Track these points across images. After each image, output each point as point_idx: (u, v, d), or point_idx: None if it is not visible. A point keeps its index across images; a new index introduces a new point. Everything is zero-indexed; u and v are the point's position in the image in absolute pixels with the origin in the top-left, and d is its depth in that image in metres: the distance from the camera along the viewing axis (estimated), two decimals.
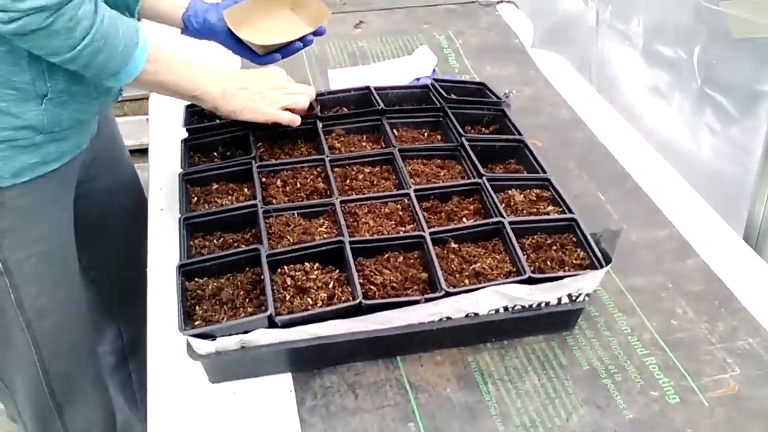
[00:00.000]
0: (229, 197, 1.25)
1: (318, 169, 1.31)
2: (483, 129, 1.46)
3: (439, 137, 1.44)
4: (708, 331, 1.17)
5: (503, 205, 1.23)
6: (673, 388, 1.06)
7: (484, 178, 1.25)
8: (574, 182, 1.48)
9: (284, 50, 1.31)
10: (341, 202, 1.21)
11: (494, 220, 1.16)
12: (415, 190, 1.23)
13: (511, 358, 1.12)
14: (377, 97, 1.47)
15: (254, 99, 1.26)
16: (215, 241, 1.17)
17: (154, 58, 1.11)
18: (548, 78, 1.87)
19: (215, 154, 1.37)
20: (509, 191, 1.27)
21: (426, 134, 1.44)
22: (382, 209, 1.21)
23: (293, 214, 1.20)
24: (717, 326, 1.18)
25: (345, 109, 1.50)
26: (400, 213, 1.21)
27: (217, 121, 1.41)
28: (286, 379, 1.07)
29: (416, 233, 1.13)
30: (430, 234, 1.13)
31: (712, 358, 1.11)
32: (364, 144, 1.40)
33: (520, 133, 1.40)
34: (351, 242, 1.11)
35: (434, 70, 1.83)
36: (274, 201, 1.23)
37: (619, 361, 1.11)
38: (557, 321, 1.14)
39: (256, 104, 1.26)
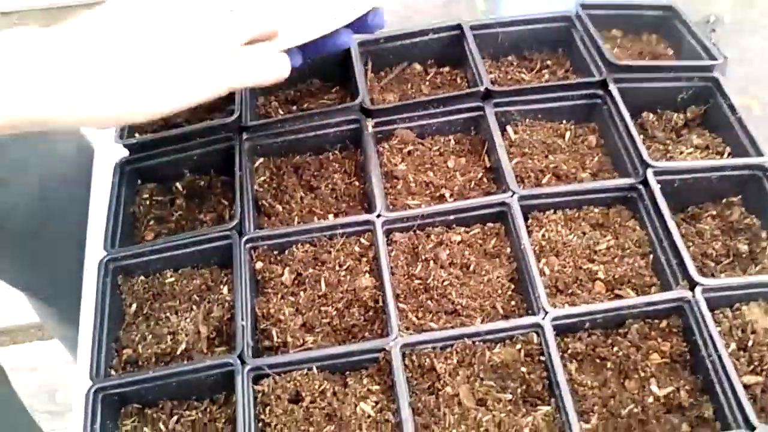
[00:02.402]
0: (193, 311, 0.66)
1: (363, 238, 0.69)
2: (677, 117, 0.77)
3: (592, 140, 0.76)
4: None
5: (733, 345, 0.61)
6: None
7: (697, 290, 0.61)
8: None
9: (311, 47, 0.63)
10: (404, 346, 0.60)
11: None
12: (554, 319, 0.61)
13: None
14: (472, 44, 0.79)
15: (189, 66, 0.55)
16: (162, 422, 0.61)
17: None
18: None
19: (178, 186, 0.75)
20: (743, 307, 0.63)
21: (570, 134, 0.77)
22: (485, 356, 0.61)
23: (311, 369, 0.61)
24: None
25: (418, 66, 0.83)
26: (523, 370, 0.60)
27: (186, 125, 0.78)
28: None
29: None
30: None
31: None
32: (450, 161, 0.75)
33: (756, 146, 0.71)
34: None
35: None
36: (271, 320, 0.64)
37: None
38: None
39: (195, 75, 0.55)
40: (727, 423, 0.57)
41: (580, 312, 0.62)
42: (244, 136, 0.74)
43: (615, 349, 0.62)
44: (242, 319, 0.62)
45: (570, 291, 0.65)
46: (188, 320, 0.65)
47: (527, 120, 0.77)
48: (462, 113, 0.76)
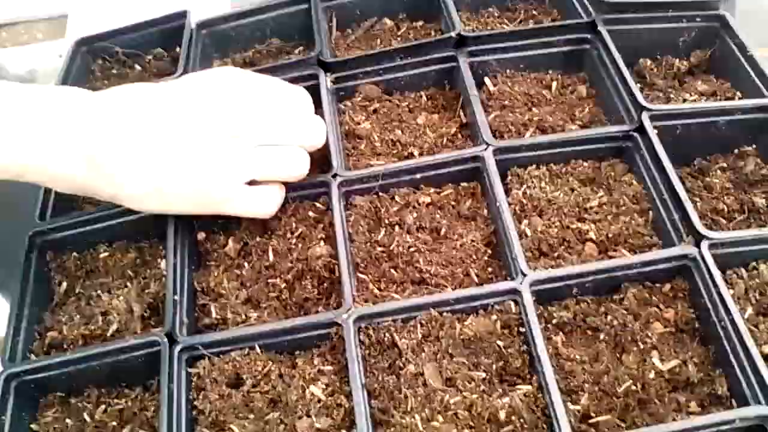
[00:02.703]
0: (127, 287, 0.58)
1: (319, 202, 0.61)
2: (678, 62, 0.69)
3: (582, 90, 0.68)
4: None
5: (750, 309, 0.51)
6: None
7: (703, 245, 0.52)
8: None
9: None
10: (359, 319, 0.52)
11: None
12: (534, 283, 0.52)
13: None
14: None
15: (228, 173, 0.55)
16: (87, 412, 0.53)
17: None
18: None
19: None
20: (761, 265, 0.54)
21: (556, 84, 0.68)
22: (455, 329, 0.52)
23: (253, 348, 0.53)
24: None
25: (388, 21, 0.76)
26: (499, 344, 0.51)
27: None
28: None
29: None
30: None
31: None
32: (420, 118, 0.67)
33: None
34: None
35: None
36: (211, 294, 0.56)
37: None
38: None
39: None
40: (744, 400, 0.48)
41: (565, 274, 0.53)
42: None
43: (609, 317, 0.53)
44: (175, 294, 0.54)
45: (556, 254, 0.56)
46: (121, 298, 0.57)
47: (508, 71, 0.68)
48: (433, 64, 0.67)
